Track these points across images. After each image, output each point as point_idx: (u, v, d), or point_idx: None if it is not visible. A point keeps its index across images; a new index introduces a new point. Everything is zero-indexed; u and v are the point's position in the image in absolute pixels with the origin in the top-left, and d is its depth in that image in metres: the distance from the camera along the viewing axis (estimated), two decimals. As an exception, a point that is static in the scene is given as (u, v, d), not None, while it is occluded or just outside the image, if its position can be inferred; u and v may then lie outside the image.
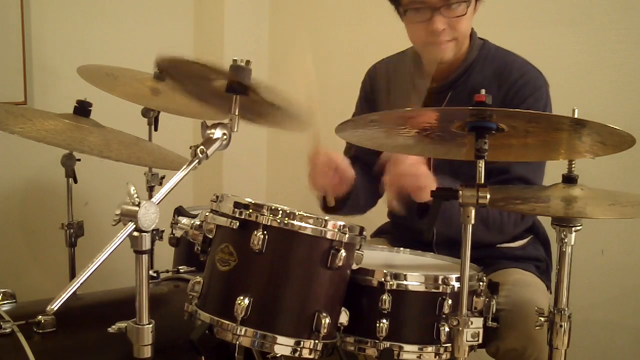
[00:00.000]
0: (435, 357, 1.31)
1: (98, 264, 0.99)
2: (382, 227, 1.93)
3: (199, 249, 1.32)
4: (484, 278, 1.39)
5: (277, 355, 1.29)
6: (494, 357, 1.51)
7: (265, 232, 1.21)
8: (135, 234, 1.06)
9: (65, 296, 0.96)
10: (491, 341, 1.48)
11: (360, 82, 2.09)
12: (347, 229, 1.25)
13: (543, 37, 1.79)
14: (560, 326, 1.24)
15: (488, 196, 1.12)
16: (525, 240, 1.73)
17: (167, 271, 1.70)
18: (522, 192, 1.36)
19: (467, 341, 1.15)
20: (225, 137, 1.22)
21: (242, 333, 1.20)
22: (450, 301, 1.30)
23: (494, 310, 1.39)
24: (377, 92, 1.84)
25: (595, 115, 1.05)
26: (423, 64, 1.71)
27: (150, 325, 1.11)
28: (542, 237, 1.76)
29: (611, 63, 2.10)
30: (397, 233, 1.86)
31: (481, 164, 1.13)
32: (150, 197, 1.72)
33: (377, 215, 1.96)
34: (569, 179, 1.27)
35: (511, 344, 1.45)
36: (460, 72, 1.66)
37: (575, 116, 1.14)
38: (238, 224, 1.23)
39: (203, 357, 1.36)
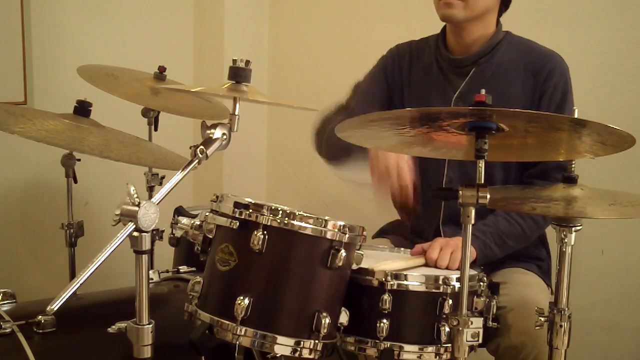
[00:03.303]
0: (435, 357, 1.31)
1: (98, 264, 0.99)
2: (384, 227, 1.93)
3: (199, 249, 1.32)
4: (485, 278, 1.39)
5: (277, 355, 1.29)
6: (494, 354, 1.52)
7: (265, 232, 1.21)
8: (135, 234, 1.06)
9: (65, 296, 0.96)
10: (492, 339, 1.49)
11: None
12: (347, 229, 1.25)
13: (543, 37, 1.78)
14: (560, 326, 1.24)
15: (488, 196, 1.12)
16: None
17: (167, 271, 1.70)
18: (522, 192, 1.36)
19: (467, 341, 1.15)
20: (225, 137, 1.22)
21: (242, 333, 1.20)
22: (450, 301, 1.30)
23: (494, 310, 1.39)
24: (399, 71, 1.84)
25: (595, 115, 1.05)
26: (447, 41, 1.76)
27: (150, 326, 1.11)
28: (542, 236, 1.77)
29: (612, 63, 2.10)
30: (399, 233, 1.86)
31: (481, 164, 1.13)
32: (150, 197, 1.71)
33: (378, 216, 1.96)
34: (569, 179, 1.27)
35: (512, 342, 1.46)
36: (485, 50, 1.70)
37: (575, 116, 1.15)
38: (238, 224, 1.23)
39: (203, 357, 1.36)
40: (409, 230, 1.83)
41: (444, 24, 1.75)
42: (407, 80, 1.82)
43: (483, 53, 1.70)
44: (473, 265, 1.49)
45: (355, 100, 1.87)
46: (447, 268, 1.46)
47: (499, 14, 1.73)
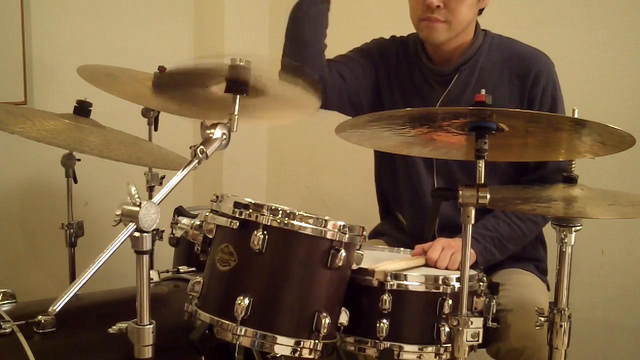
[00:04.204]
0: (435, 357, 1.31)
1: (100, 264, 0.99)
2: (378, 229, 1.93)
3: (199, 249, 1.32)
4: (484, 278, 1.39)
5: (277, 355, 1.29)
6: (495, 357, 1.51)
7: (265, 232, 1.21)
8: (136, 234, 1.05)
9: (67, 297, 0.96)
10: (492, 342, 1.48)
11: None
12: (347, 229, 1.25)
13: (542, 37, 1.79)
14: (560, 326, 1.25)
15: (488, 196, 1.12)
16: None
17: (167, 271, 1.70)
18: (522, 192, 1.36)
19: (467, 341, 1.15)
20: (224, 137, 1.22)
21: (242, 333, 1.20)
22: (450, 301, 1.30)
23: (494, 310, 1.39)
24: (387, 62, 1.80)
25: (595, 115, 1.06)
26: (426, 48, 1.73)
27: (151, 326, 1.11)
28: (540, 236, 1.77)
29: (611, 63, 2.10)
30: (394, 235, 1.86)
31: (481, 164, 1.14)
32: (150, 197, 1.71)
33: (378, 216, 1.96)
34: (569, 179, 1.27)
35: (512, 344, 1.46)
36: (467, 57, 1.67)
37: (575, 116, 1.15)
38: (238, 224, 1.23)
39: (203, 357, 1.36)
40: (404, 233, 1.83)
41: None
42: (395, 77, 1.79)
43: (465, 60, 1.67)
44: (474, 265, 1.49)
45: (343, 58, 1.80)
46: (446, 269, 1.46)
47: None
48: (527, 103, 1.64)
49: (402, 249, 1.64)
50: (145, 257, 1.08)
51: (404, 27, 1.76)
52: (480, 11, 1.69)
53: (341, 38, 1.80)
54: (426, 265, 1.48)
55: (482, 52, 1.68)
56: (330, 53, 1.76)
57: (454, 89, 1.68)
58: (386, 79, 1.79)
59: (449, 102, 1.67)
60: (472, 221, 1.13)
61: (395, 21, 1.81)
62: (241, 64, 1.20)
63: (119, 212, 1.05)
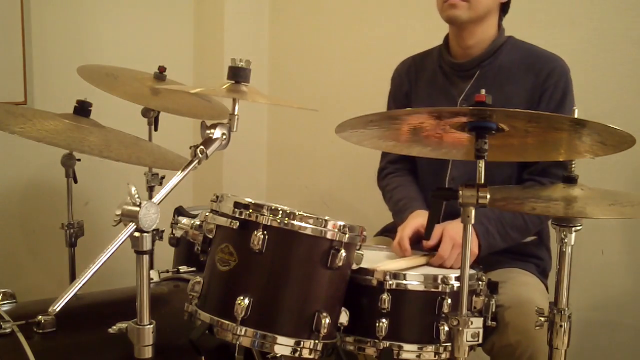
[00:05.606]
0: (434, 356, 1.31)
1: (100, 264, 0.99)
2: (387, 226, 1.93)
3: (199, 249, 1.32)
4: (484, 277, 1.39)
5: (277, 355, 1.29)
6: (489, 354, 1.52)
7: (265, 232, 1.21)
8: (136, 234, 1.06)
9: (67, 297, 0.96)
10: (487, 337, 1.48)
11: (361, 82, 2.10)
12: (347, 229, 1.25)
13: (543, 37, 1.79)
14: (560, 326, 1.24)
15: (488, 196, 1.12)
16: (533, 237, 1.74)
17: (167, 271, 1.70)
18: (522, 192, 1.36)
19: (467, 341, 1.15)
20: (224, 137, 1.22)
21: (242, 333, 1.20)
22: (449, 300, 1.30)
23: (494, 309, 1.39)
24: (408, 83, 1.89)
25: (595, 115, 1.06)
26: (450, 47, 1.80)
27: (151, 326, 1.11)
28: (543, 235, 1.77)
29: (611, 63, 2.10)
30: None
31: (481, 164, 1.14)
32: (150, 197, 1.71)
33: (378, 216, 1.96)
34: (569, 179, 1.27)
35: (506, 340, 1.46)
36: (488, 52, 1.73)
37: (575, 116, 1.15)
38: (238, 224, 1.23)
39: (203, 357, 1.36)
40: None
41: (444, 30, 1.78)
42: (415, 92, 1.86)
43: (486, 56, 1.72)
44: (473, 265, 1.49)
45: None
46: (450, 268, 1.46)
47: (500, 18, 1.76)
48: (538, 96, 1.66)
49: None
50: (145, 257, 1.09)
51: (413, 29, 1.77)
52: (504, 7, 1.74)
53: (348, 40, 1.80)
54: (426, 264, 1.48)
55: (503, 51, 1.73)
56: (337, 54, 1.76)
57: (475, 83, 1.72)
58: (409, 95, 1.88)
59: (471, 96, 1.68)
60: (472, 221, 1.13)
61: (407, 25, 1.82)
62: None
63: (119, 212, 1.05)
